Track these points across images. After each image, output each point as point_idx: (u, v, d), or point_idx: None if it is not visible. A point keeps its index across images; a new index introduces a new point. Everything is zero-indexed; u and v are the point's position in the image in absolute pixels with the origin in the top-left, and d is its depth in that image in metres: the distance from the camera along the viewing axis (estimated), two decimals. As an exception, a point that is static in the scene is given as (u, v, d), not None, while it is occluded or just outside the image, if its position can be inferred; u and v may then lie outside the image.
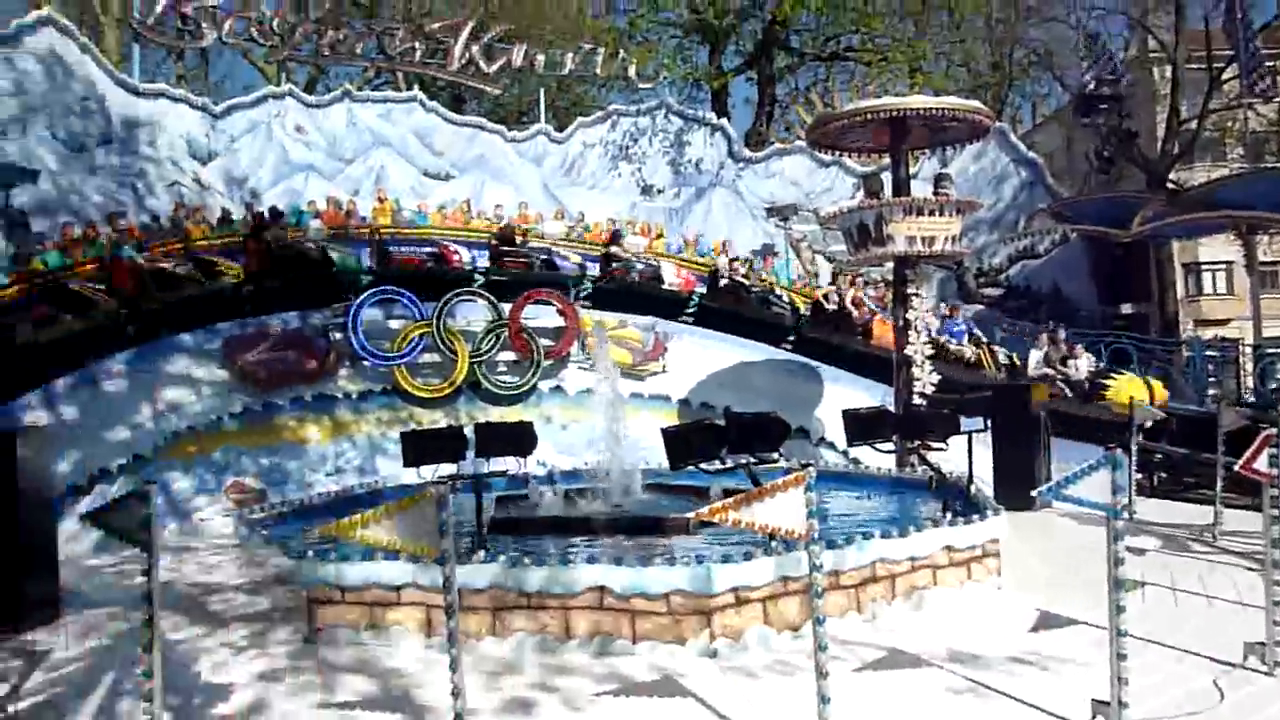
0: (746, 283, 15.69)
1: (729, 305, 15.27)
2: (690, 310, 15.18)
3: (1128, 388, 12.77)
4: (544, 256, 15.39)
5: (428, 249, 15.34)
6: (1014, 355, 14.87)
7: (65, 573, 7.74)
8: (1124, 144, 22.55)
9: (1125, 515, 5.17)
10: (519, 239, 15.46)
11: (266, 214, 15.22)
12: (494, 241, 15.11)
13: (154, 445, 11.55)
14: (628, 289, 14.98)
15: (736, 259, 16.78)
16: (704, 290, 15.58)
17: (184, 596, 7.74)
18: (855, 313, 15.25)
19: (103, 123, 16.12)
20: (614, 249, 15.55)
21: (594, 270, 15.40)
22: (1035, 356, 14.45)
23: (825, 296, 15.70)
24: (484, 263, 14.86)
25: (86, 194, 15.55)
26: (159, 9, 16.80)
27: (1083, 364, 14.13)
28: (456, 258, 15.11)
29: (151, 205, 15.84)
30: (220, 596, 7.79)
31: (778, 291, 16.10)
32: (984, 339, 15.37)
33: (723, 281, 15.49)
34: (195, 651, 6.20)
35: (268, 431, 12.50)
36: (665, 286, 15.52)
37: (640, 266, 15.50)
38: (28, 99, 15.32)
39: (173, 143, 16.83)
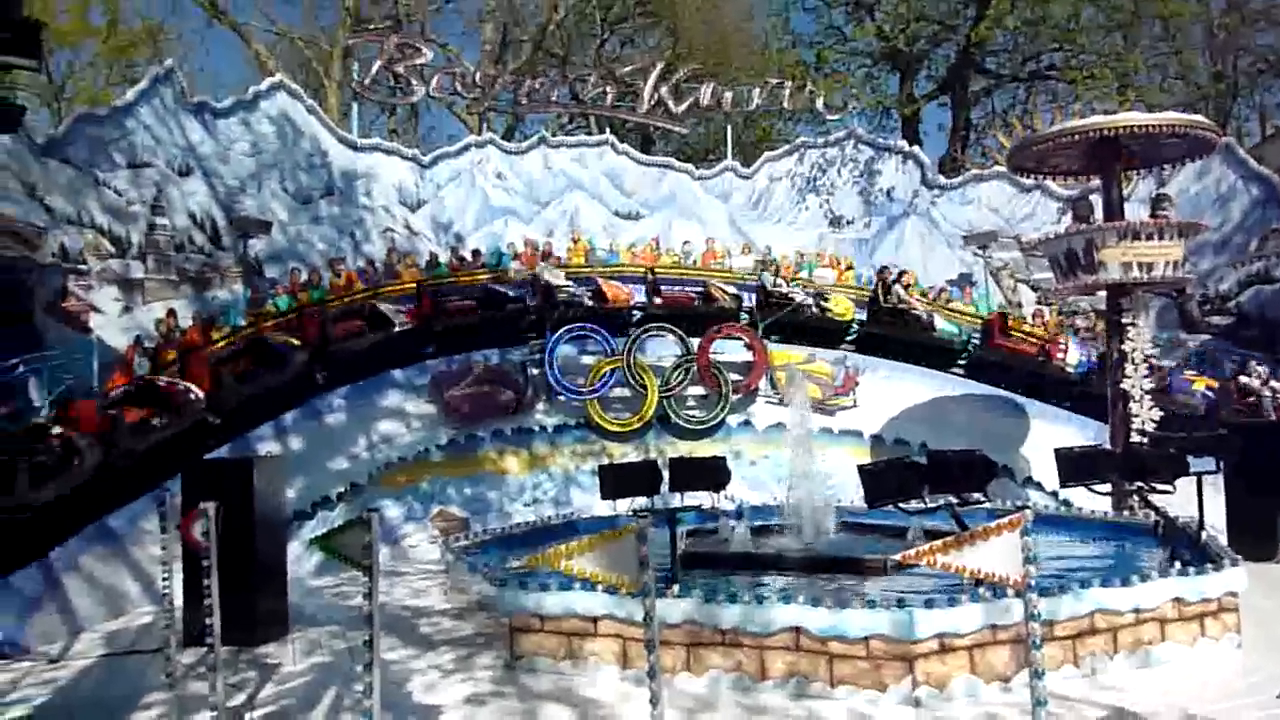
0: (909, 306, 15.06)
1: (892, 331, 14.81)
2: (850, 337, 14.79)
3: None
4: (807, 298, 15.30)
5: (696, 288, 15.67)
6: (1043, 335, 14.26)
7: (291, 593, 8.35)
8: (1375, 154, 20.26)
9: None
10: (782, 281, 15.49)
11: (469, 256, 16.09)
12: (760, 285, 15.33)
13: (369, 474, 12.34)
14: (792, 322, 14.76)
15: (1040, 310, 16.34)
16: (864, 316, 15.11)
17: (396, 619, 8.18)
18: (916, 307, 14.96)
19: (325, 176, 17.55)
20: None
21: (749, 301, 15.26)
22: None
23: (884, 292, 15.11)
24: (749, 302, 15.16)
25: (312, 242, 16.93)
26: (375, 70, 18.19)
27: None
28: (721, 295, 15.24)
29: (367, 251, 17.05)
30: (428, 620, 8.18)
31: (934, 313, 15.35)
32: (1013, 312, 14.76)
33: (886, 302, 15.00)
34: (407, 672, 6.52)
35: (470, 463, 13.12)
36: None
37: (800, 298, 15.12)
38: (262, 158, 16.90)
39: (386, 192, 18.09)
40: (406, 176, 18.41)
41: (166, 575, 5.99)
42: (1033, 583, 3.89)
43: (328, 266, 15.41)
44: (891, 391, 14.08)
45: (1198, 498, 8.11)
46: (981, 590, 5.63)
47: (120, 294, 14.54)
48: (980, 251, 18.37)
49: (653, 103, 19.40)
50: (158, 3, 37.70)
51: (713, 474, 8.43)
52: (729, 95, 19.88)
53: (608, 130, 20.70)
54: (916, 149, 20.73)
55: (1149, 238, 10.15)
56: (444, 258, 16.17)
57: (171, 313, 13.54)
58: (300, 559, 10.33)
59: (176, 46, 26.82)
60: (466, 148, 19.10)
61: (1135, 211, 11.64)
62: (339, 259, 15.89)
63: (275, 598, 7.92)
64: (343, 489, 12.08)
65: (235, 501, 7.04)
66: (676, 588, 6.17)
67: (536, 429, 13.60)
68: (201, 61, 44.29)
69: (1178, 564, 6.58)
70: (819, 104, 20.26)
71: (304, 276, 14.93)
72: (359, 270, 15.68)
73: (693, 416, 13.90)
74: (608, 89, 19.59)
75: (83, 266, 14.00)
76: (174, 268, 15.21)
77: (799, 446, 10.04)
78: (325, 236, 17.02)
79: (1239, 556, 6.76)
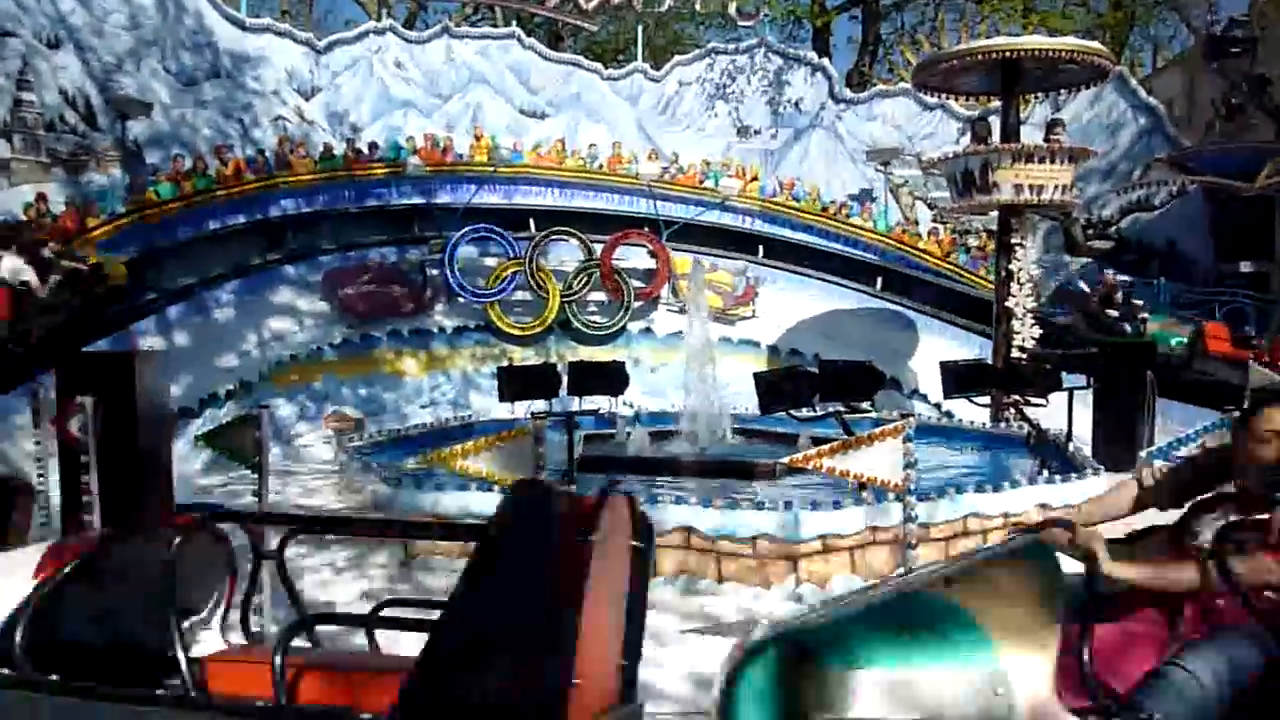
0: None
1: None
2: None
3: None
4: None
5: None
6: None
7: (177, 490, 8.15)
8: (1254, 91, 21.15)
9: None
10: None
11: (366, 148, 15.50)
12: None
13: (259, 372, 12.01)
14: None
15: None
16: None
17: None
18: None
19: (211, 57, 16.52)
20: None
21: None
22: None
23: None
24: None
25: (196, 127, 16.00)
26: (266, -56, 17.09)
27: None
28: None
29: (256, 138, 16.23)
30: (321, 519, 8.11)
31: None
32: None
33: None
34: (299, 570, 6.47)
35: (366, 362, 12.90)
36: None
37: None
38: (141, 33, 15.76)
39: (277, 77, 17.16)
40: (300, 61, 17.49)
41: (41, 472, 5.77)
42: (912, 487, 4.09)
43: (214, 153, 14.64)
44: (789, 303, 14.34)
45: (1068, 411, 8.60)
46: (864, 493, 5.88)
47: (-16, 174, 13.57)
48: (882, 168, 18.61)
49: (562, -3, 18.78)
50: None
51: (612, 379, 8.52)
52: (640, -6, 19.38)
53: (514, 24, 19.98)
54: (825, 61, 20.70)
55: (1041, 161, 10.46)
56: (339, 149, 15.54)
57: (41, 197, 12.72)
58: (187, 457, 10.06)
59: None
60: (365, 34, 18.23)
61: (1031, 135, 11.93)
62: (226, 146, 15.10)
63: (159, 495, 7.71)
64: (232, 387, 11.74)
65: (115, 396, 6.76)
66: (573, 488, 6.26)
67: (435, 330, 13.42)
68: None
69: (1045, 472, 6.99)
70: (731, 9, 19.94)
71: (188, 163, 14.16)
72: (248, 159, 14.94)
73: (594, 322, 13.92)
74: (515, -20, 18.85)
75: (-60, 143, 12.98)
76: (44, 148, 14.22)
77: (697, 353, 10.18)
78: (211, 121, 16.10)
79: (1101, 465, 7.22)
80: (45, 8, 14.60)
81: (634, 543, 2.40)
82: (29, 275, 10.77)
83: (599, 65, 20.21)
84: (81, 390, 5.47)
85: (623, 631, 2.44)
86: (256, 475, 4.27)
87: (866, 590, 2.35)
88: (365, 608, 5.61)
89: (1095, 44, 10.98)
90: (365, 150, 15.42)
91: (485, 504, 6.25)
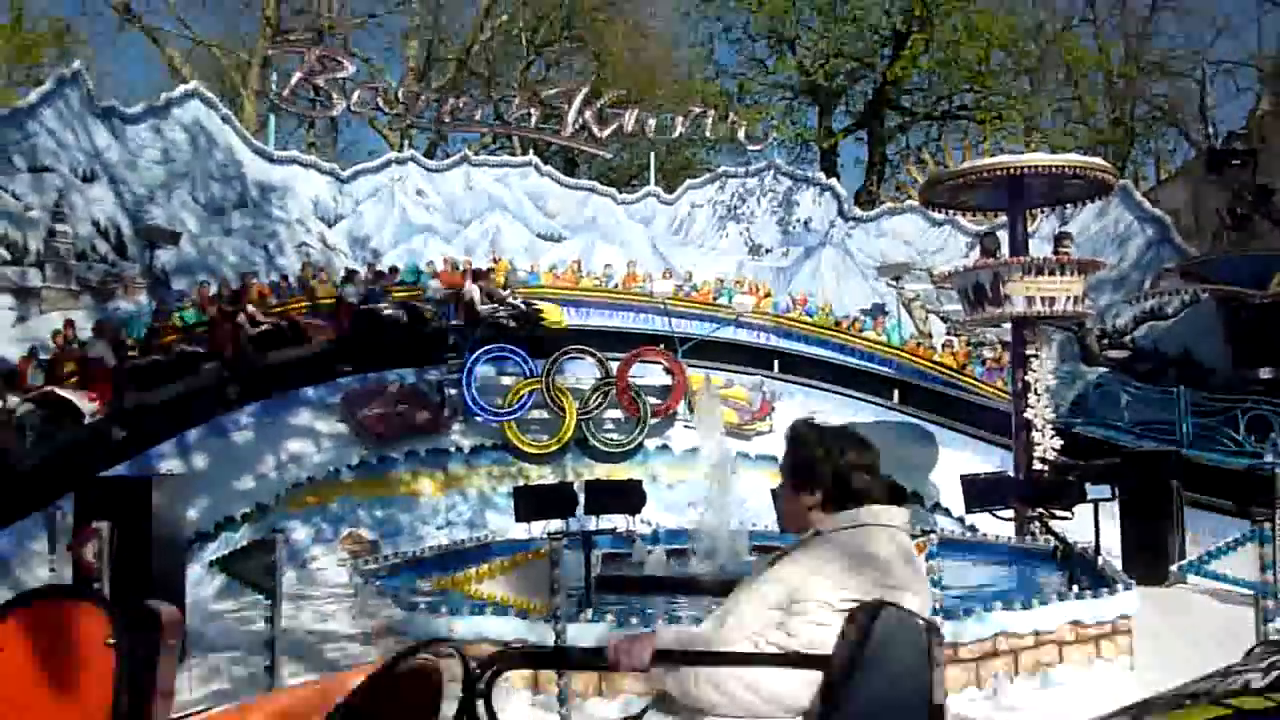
0: None
1: None
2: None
3: None
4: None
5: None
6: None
7: (190, 617, 8.03)
8: (1258, 201, 21.47)
9: (1276, 594, 4.81)
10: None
11: (386, 272, 15.85)
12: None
13: (276, 495, 11.98)
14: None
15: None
16: None
17: (301, 644, 7.93)
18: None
19: (239, 187, 17.13)
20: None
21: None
22: None
23: None
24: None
25: (223, 254, 16.49)
26: (294, 81, 17.88)
27: None
28: None
29: (281, 265, 16.67)
30: (334, 645, 7.94)
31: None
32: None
33: None
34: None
35: (383, 484, 12.85)
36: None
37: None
38: (174, 166, 16.41)
39: (302, 206, 17.74)
40: (324, 190, 18.10)
41: (55, 598, 5.70)
42: (937, 606, 3.99)
43: (239, 280, 15.02)
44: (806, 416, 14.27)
45: (1094, 523, 8.44)
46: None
47: (15, 303, 13.92)
48: (893, 283, 18.84)
49: (577, 126, 19.47)
50: (66, 2, 36.50)
51: (629, 497, 8.44)
52: (652, 122, 20.08)
53: (531, 152, 20.70)
54: (834, 181, 21.24)
55: (1051, 273, 10.57)
56: (361, 274, 15.91)
57: (69, 323, 13.01)
58: (201, 582, 9.94)
59: (85, 49, 25.91)
60: (387, 164, 18.89)
61: (1039, 248, 12.11)
62: (251, 273, 15.50)
63: (172, 622, 7.61)
64: (248, 509, 11.68)
65: (131, 521, 6.75)
66: (590, 611, 6.13)
67: (452, 450, 13.41)
68: (112, 67, 42.95)
69: (1075, 587, 6.80)
70: (740, 134, 20.61)
71: (213, 289, 14.51)
72: (272, 285, 15.31)
73: (611, 439, 13.89)
74: (532, 111, 19.61)
75: (-25, 274, 13.38)
76: (74, 277, 14.64)
77: (714, 470, 10.11)
78: (238, 249, 16.60)
79: (1133, 580, 7.02)
80: (83, 143, 15.24)
81: (109, 641, 2.33)
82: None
83: (613, 190, 20.79)
84: (98, 515, 5.46)
85: None
86: (270, 601, 4.21)
87: None
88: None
89: (1097, 159, 11.24)
90: (387, 274, 15.77)
91: (501, 629, 6.13)
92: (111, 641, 2.32)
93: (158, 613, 2.48)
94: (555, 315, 14.78)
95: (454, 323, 14.26)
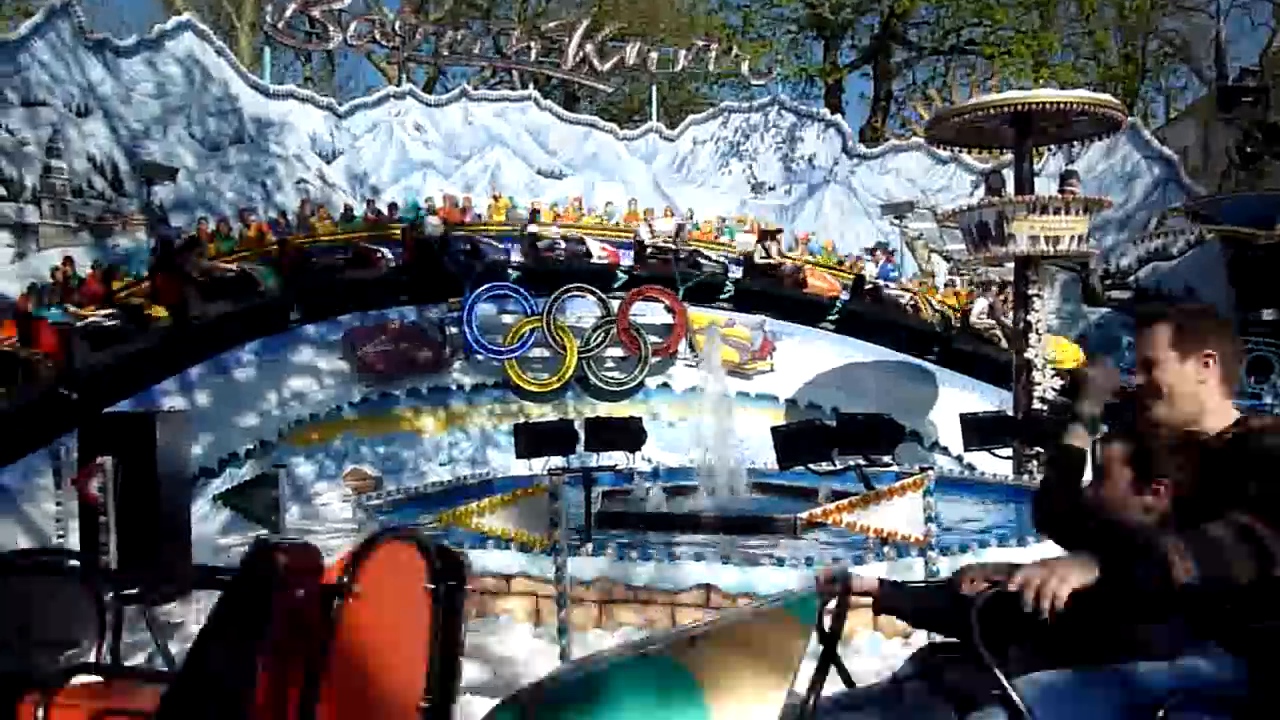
0: (891, 288, 15.14)
1: (874, 311, 14.85)
2: (833, 317, 14.91)
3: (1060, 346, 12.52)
4: (686, 254, 15.37)
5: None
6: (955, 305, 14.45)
7: (196, 551, 8.14)
8: (1268, 140, 21.21)
9: None
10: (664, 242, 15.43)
11: (386, 209, 15.73)
12: (638, 240, 15.25)
13: (279, 431, 12.06)
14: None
15: (951, 281, 16.41)
16: (847, 296, 15.18)
17: (305, 577, 8.04)
18: (784, 264, 15.15)
19: (236, 123, 16.91)
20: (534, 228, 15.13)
21: (736, 272, 15.22)
22: (980, 305, 13.83)
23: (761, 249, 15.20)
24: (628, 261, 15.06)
25: (221, 191, 16.34)
26: (289, 13, 17.53)
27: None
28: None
29: (279, 201, 16.53)
30: (339, 578, 8.06)
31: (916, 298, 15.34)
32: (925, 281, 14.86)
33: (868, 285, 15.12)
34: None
35: (385, 421, 12.93)
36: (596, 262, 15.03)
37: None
38: (168, 101, 16.18)
39: (299, 141, 17.53)
40: (321, 126, 17.88)
41: (62, 533, 5.79)
42: (933, 541, 4.03)
43: (237, 216, 14.91)
44: (807, 356, 14.29)
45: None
46: (886, 549, 5.80)
47: (13, 239, 13.85)
48: (897, 221, 18.71)
49: (577, 60, 19.16)
50: (55, -69, 35.55)
51: (629, 435, 8.50)
52: (654, 56, 19.75)
53: (531, 86, 20.39)
54: (838, 117, 20.97)
55: (1056, 212, 10.47)
56: (359, 210, 15.79)
57: (68, 260, 12.95)
58: (207, 517, 10.06)
59: (75, -21, 25.34)
60: (385, 98, 18.63)
61: (1045, 187, 11.97)
62: (249, 209, 15.38)
63: (179, 556, 7.70)
64: (252, 446, 11.77)
65: (135, 457, 6.81)
66: (590, 545, 6.21)
67: (453, 388, 13.46)
68: (103, -3, 41.97)
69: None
70: (744, 68, 20.29)
71: (212, 226, 14.42)
72: (270, 221, 15.20)
73: (611, 378, 13.92)
74: (532, 44, 19.27)
75: (-29, 210, 13.29)
76: (71, 213, 14.54)
77: (715, 408, 10.15)
78: (235, 185, 16.45)
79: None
80: (76, 77, 15.01)
81: (428, 585, 2.38)
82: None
83: (614, 125, 20.53)
84: (102, 451, 5.50)
85: (425, 674, 2.41)
86: (273, 535, 4.26)
87: (628, 645, 2.33)
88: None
89: (1106, 96, 11.04)
90: (385, 211, 15.66)
91: (502, 562, 6.22)
92: (430, 586, 2.37)
93: (461, 559, 2.54)
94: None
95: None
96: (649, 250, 14.94)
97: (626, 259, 15.11)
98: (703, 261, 15.41)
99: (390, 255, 14.06)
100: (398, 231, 14.82)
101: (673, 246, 15.05)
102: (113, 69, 15.62)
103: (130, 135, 15.48)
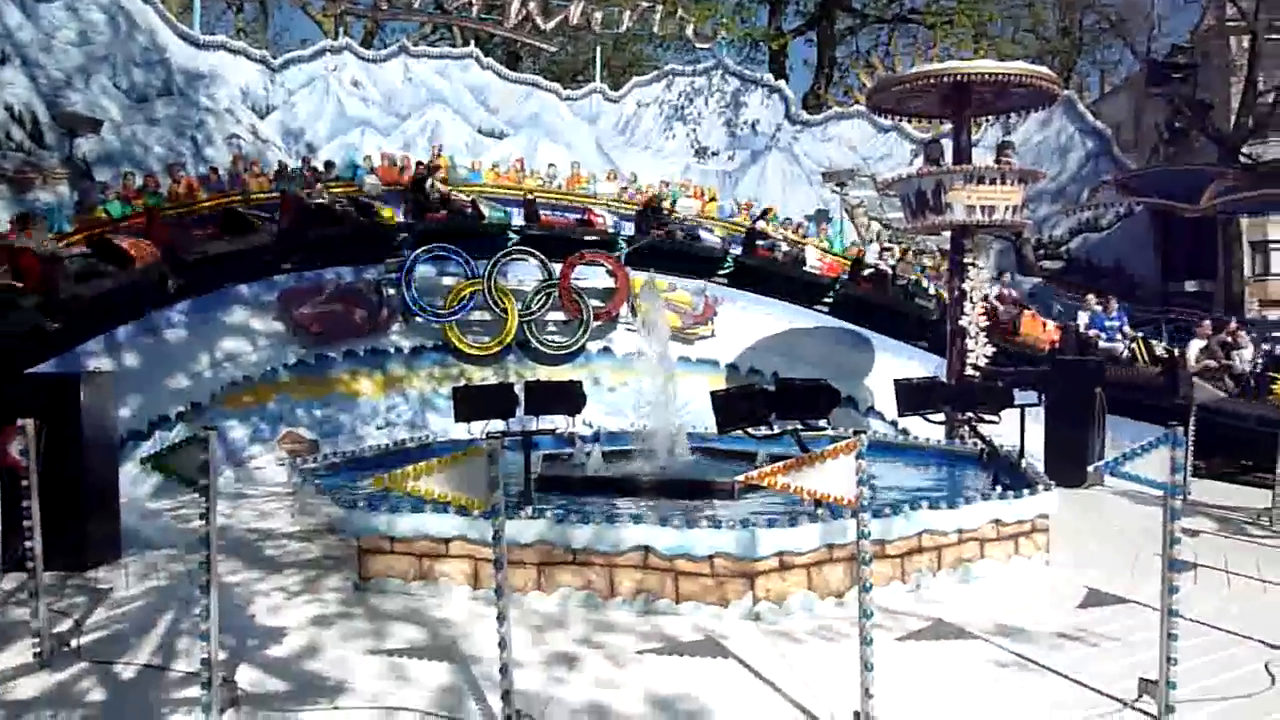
0: (894, 272, 15.22)
1: (872, 295, 14.98)
2: (829, 299, 15.05)
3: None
4: (685, 229, 15.54)
5: (575, 214, 15.95)
6: (1173, 349, 13.70)
7: (125, 515, 7.97)
8: (1196, 115, 21.81)
9: (1182, 495, 5.06)
10: (665, 211, 15.68)
11: (322, 167, 15.36)
12: (640, 211, 15.44)
13: (211, 394, 11.80)
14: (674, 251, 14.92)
15: (889, 248, 16.45)
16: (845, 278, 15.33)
17: (239, 541, 7.94)
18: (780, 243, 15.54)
19: (164, 74, 16.30)
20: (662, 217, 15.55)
21: (734, 248, 15.52)
22: (1195, 347, 13.05)
23: (864, 261, 15.44)
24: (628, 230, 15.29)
25: (148, 144, 15.76)
26: (221, -39, 16.93)
27: (1247, 355, 12.85)
28: (600, 222, 15.62)
29: (210, 156, 16.02)
30: (274, 543, 7.98)
31: (923, 284, 15.32)
32: (1138, 334, 14.25)
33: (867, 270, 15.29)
34: (250, 594, 6.36)
35: (321, 383, 12.72)
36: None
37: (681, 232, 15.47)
38: (92, 49, 15.52)
39: (231, 95, 16.99)
40: (254, 79, 17.35)
41: (-18, 496, 5.60)
42: (865, 504, 4.12)
43: (165, 171, 14.43)
44: (748, 322, 14.41)
45: (1020, 428, 8.73)
46: (820, 511, 5.91)
47: (-75, 191, 13.25)
48: (838, 189, 18.87)
49: (520, 18, 18.83)
50: None
51: (569, 398, 8.48)
52: (599, 15, 19.50)
53: (473, 44, 20.00)
54: (781, 83, 20.97)
55: (992, 182, 10.65)
56: (294, 167, 15.39)
57: (-14, 214, 12.42)
58: (136, 481, 9.83)
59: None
60: (321, 52, 18.14)
61: (982, 157, 12.16)
62: (178, 164, 14.88)
63: (106, 520, 7.54)
64: (183, 408, 11.48)
65: (59, 419, 6.62)
66: (529, 509, 6.22)
67: (392, 350, 13.28)
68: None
69: (998, 488, 7.08)
70: (689, 31, 20.14)
71: (138, 181, 13.93)
72: (201, 177, 14.74)
73: (553, 341, 13.88)
74: (473, 1, 18.87)
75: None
76: (-12, 165, 13.93)
77: (655, 371, 10.17)
78: (163, 139, 15.89)
79: (1052, 482, 7.32)
80: (-9, 23, 14.34)
81: None
82: None
83: (557, 85, 20.28)
84: (24, 413, 5.32)
85: None
86: (204, 498, 4.18)
87: None
88: (319, 632, 5.53)
89: (1043, 69, 11.21)
90: (322, 169, 15.29)
91: (441, 526, 6.21)
92: None
93: None
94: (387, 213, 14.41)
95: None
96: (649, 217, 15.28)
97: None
98: (704, 235, 15.55)
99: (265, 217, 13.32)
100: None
101: (680, 218, 15.54)
102: (31, 14, 14.94)
103: (51, 85, 14.85)
